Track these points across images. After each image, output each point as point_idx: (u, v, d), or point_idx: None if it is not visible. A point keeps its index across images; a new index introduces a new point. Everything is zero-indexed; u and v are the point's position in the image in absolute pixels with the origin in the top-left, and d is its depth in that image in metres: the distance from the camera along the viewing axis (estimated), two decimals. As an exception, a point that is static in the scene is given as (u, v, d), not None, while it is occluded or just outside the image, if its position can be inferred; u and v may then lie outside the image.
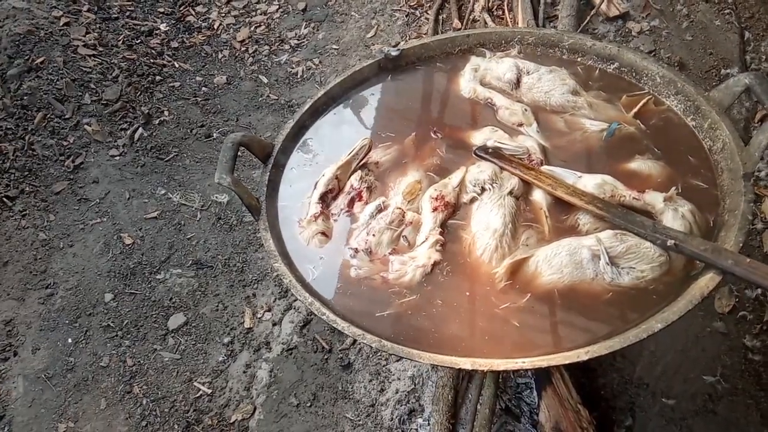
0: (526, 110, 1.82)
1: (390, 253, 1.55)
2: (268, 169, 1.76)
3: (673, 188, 1.48)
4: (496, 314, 1.40)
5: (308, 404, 2.29)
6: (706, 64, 2.91)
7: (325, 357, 2.39)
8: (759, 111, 2.75)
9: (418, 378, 2.21)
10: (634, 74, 1.85)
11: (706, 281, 1.29)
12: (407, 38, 3.64)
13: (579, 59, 1.96)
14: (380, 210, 1.63)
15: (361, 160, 1.75)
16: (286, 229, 1.66)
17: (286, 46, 3.80)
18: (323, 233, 1.62)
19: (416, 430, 2.11)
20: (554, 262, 1.43)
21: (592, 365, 2.16)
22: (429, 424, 2.06)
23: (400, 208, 1.62)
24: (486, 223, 1.55)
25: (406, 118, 1.93)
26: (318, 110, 1.96)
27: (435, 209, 1.60)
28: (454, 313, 1.41)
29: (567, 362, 1.25)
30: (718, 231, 1.43)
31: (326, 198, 1.70)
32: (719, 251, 1.30)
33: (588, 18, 3.16)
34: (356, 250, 1.56)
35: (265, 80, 3.63)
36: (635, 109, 1.77)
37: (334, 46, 3.72)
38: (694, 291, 1.29)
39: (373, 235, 1.57)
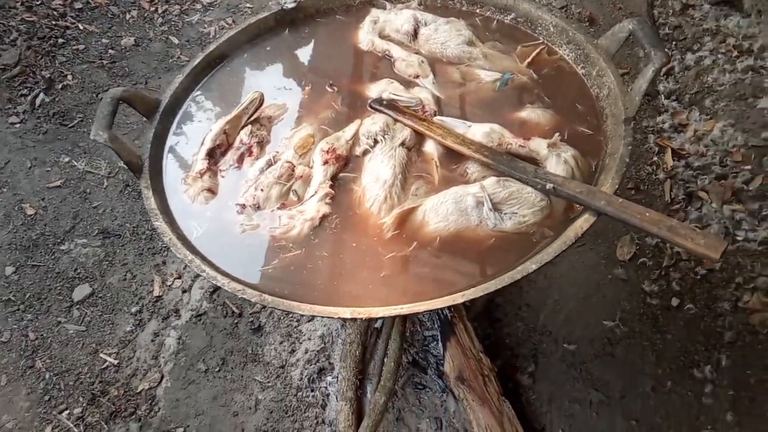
0: (422, 62, 1.80)
1: (279, 208, 1.51)
2: (153, 125, 1.68)
3: (557, 134, 1.50)
4: (382, 264, 1.39)
5: (217, 369, 2.24)
6: (615, 18, 2.95)
7: (235, 321, 2.35)
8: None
9: (328, 337, 2.20)
10: (529, 24, 1.85)
11: (581, 222, 1.31)
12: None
13: (477, 10, 1.95)
14: (270, 164, 1.59)
15: (252, 114, 1.69)
16: (173, 186, 1.59)
17: (198, 6, 3.63)
18: (209, 190, 1.56)
19: (325, 387, 2.11)
20: (440, 211, 1.43)
21: (497, 315, 2.20)
22: (338, 381, 2.06)
23: (289, 162, 1.58)
24: (376, 175, 1.52)
25: (302, 71, 1.87)
26: (211, 64, 1.87)
27: (326, 162, 1.56)
28: (341, 265, 1.39)
29: (443, 305, 1.25)
30: (599, 174, 1.45)
31: (214, 154, 1.63)
32: (593, 193, 1.32)
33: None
34: (243, 206, 1.51)
35: (176, 41, 3.47)
36: (529, 59, 1.77)
37: (248, 5, 3.59)
38: (569, 232, 1.31)
39: (261, 189, 1.52)
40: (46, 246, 2.76)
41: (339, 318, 1.25)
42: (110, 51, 3.44)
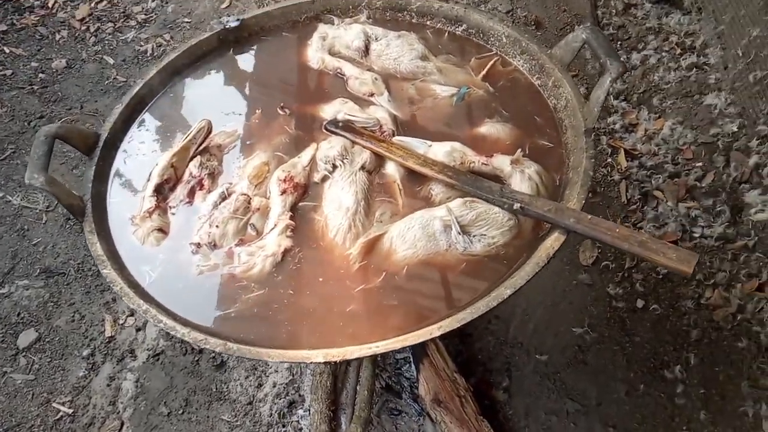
0: (376, 79, 1.74)
1: (237, 245, 1.42)
2: (93, 162, 1.56)
3: (519, 150, 1.46)
4: (352, 298, 1.32)
5: (180, 411, 2.13)
6: (560, 21, 2.97)
7: (196, 359, 2.23)
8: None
9: (296, 368, 2.12)
10: (481, 35, 1.82)
11: (552, 241, 1.28)
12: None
13: (428, 22, 1.90)
14: (224, 198, 1.50)
15: (200, 143, 1.60)
16: (119, 228, 1.48)
17: (133, 22, 3.47)
18: (160, 229, 1.46)
19: (297, 421, 2.02)
20: (408, 237, 1.37)
21: (467, 331, 2.17)
22: (309, 414, 1.98)
23: (245, 194, 1.49)
24: (338, 202, 1.46)
25: (250, 94, 1.79)
26: (152, 91, 1.76)
27: (283, 192, 1.48)
28: (308, 303, 1.32)
29: (420, 341, 1.20)
30: (564, 189, 1.43)
31: (162, 189, 1.53)
32: (562, 210, 1.29)
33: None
34: (198, 245, 1.42)
35: (111, 61, 3.30)
36: (483, 72, 1.74)
37: (186, 20, 3.45)
38: (541, 253, 1.27)
39: (217, 226, 1.43)
40: (-16, 290, 2.58)
41: (311, 363, 1.18)
42: (40, 75, 3.25)
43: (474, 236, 1.37)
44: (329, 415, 1.95)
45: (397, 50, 1.77)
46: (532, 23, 2.90)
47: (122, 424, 2.17)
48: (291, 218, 1.45)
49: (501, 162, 1.48)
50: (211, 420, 2.10)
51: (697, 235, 2.31)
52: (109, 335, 2.38)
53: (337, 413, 1.98)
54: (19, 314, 2.50)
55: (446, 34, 1.87)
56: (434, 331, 1.19)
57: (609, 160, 2.57)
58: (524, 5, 2.99)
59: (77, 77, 3.25)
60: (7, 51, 3.32)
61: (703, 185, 2.42)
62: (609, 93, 1.48)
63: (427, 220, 1.38)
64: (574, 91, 1.56)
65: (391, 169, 1.53)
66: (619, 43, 2.89)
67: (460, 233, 1.36)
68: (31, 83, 3.20)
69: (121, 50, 3.35)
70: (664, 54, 2.81)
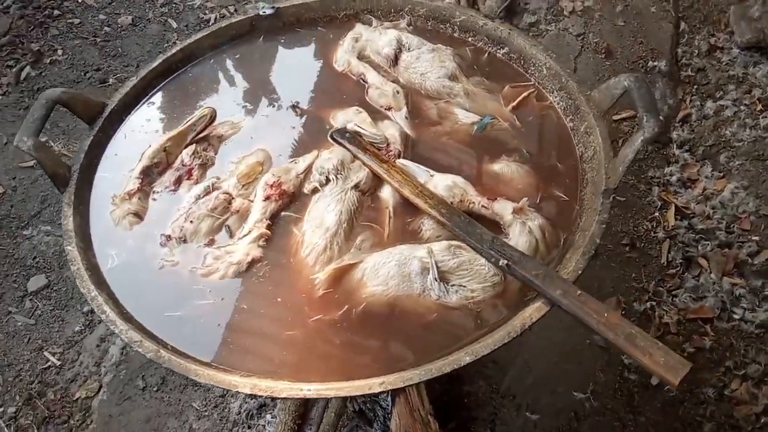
0: (397, 92, 1.62)
1: (206, 244, 1.35)
2: (91, 133, 1.54)
3: (524, 199, 1.31)
4: (305, 326, 1.22)
5: (155, 389, 2.11)
6: (634, 53, 2.73)
7: (182, 339, 2.20)
8: (682, 109, 2.61)
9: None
10: (522, 62, 1.66)
11: (531, 311, 1.14)
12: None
13: (470, 39, 1.76)
14: (208, 192, 1.43)
15: (200, 132, 1.54)
16: (101, 206, 1.44)
17: (203, -11, 3.48)
18: (136, 214, 1.41)
19: (263, 426, 1.96)
20: (381, 272, 1.26)
21: (458, 372, 2.02)
22: (276, 422, 1.91)
23: (227, 193, 1.42)
24: (320, 220, 1.36)
25: (268, 87, 1.71)
26: (171, 68, 1.72)
27: (267, 198, 1.40)
28: (258, 323, 1.24)
29: (358, 393, 1.09)
30: (566, 251, 1.27)
31: (151, 172, 1.48)
32: (551, 278, 1.14)
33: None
34: (168, 237, 1.36)
35: (174, 25, 3.32)
36: (514, 102, 1.59)
37: (254, -5, 3.43)
38: (516, 321, 1.13)
39: (191, 221, 1.37)
40: (10, 228, 2.65)
41: (238, 391, 1.09)
42: (106, 28, 3.30)
43: (452, 285, 1.24)
44: (293, 428, 1.89)
45: (426, 65, 1.64)
46: (603, 52, 2.67)
47: (100, 387, 2.18)
48: (268, 227, 1.36)
49: (503, 208, 1.33)
50: (182, 404, 2.07)
51: (737, 316, 2.07)
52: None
53: (302, 427, 1.91)
54: (34, 258, 2.56)
55: (486, 54, 1.72)
56: (374, 386, 1.08)
57: (656, 214, 2.34)
58: (598, 31, 2.76)
59: (139, 36, 3.29)
60: (79, 0, 3.39)
61: (755, 263, 2.16)
62: (667, 131, 1.30)
63: (406, 258, 1.26)
64: (604, 142, 1.39)
65: (387, 194, 1.42)
66: (695, 87, 2.62)
67: (437, 279, 1.23)
68: (95, 35, 3.26)
69: (186, 15, 3.36)
70: (742, 108, 2.53)
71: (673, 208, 2.35)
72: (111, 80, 3.09)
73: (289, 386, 1.09)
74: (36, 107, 1.42)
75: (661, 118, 1.29)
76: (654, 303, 2.14)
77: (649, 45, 2.73)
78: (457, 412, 1.95)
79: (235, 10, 3.34)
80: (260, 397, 2.01)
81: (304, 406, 1.92)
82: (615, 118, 2.58)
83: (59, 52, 3.17)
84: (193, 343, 1.21)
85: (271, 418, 1.96)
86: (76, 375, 2.23)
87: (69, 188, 1.42)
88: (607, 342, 1.07)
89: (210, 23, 3.31)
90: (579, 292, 1.11)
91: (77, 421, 2.11)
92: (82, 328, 2.36)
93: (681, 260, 2.22)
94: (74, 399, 2.17)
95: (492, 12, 2.80)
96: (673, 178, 2.43)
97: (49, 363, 2.28)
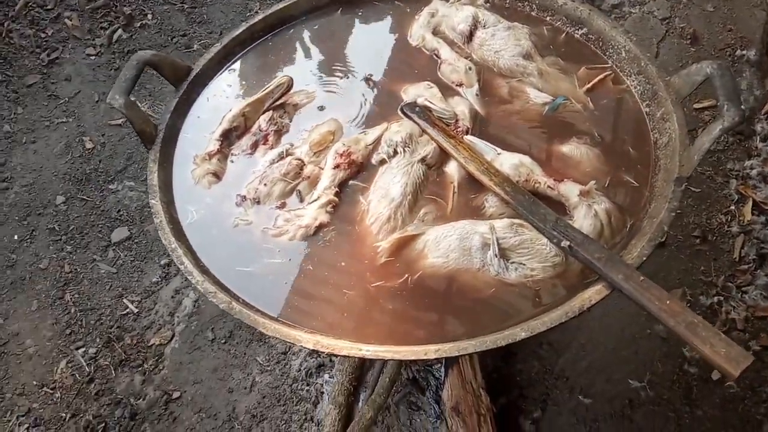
0: (470, 69, 1.63)
1: (278, 207, 1.42)
2: (177, 95, 1.63)
3: (592, 182, 1.31)
4: (367, 292, 1.28)
5: (223, 341, 2.24)
6: (722, 40, 2.59)
7: (249, 296, 2.32)
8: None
9: (333, 333, 2.13)
10: (600, 44, 1.63)
11: (592, 293, 1.14)
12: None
13: (548, 18, 1.74)
14: (282, 157, 1.50)
15: (277, 99, 1.60)
16: (182, 164, 1.54)
17: (287, -40, 3.54)
18: (215, 174, 1.50)
19: (321, 385, 2.05)
20: (442, 245, 1.29)
21: (512, 349, 2.05)
22: (333, 382, 2.00)
23: (299, 159, 1.48)
24: (385, 190, 1.40)
25: (343, 58, 1.75)
26: (253, 36, 1.79)
27: (337, 166, 1.45)
28: (322, 284, 1.29)
29: (413, 358, 1.13)
30: (631, 238, 1.26)
31: (230, 136, 1.56)
32: (613, 262, 1.14)
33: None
34: (243, 198, 1.44)
35: (257, -6, 3.42)
36: (589, 84, 1.57)
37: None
38: (575, 302, 1.14)
39: (265, 184, 1.44)
40: (97, 182, 2.84)
41: (302, 346, 1.16)
42: (193, -5, 3.44)
43: (512, 262, 1.26)
44: (349, 389, 1.96)
45: (501, 42, 1.64)
46: (689, 37, 2.55)
47: (173, 335, 2.33)
48: (336, 194, 1.42)
49: (569, 190, 1.33)
50: (246, 357, 2.19)
51: (810, 318, 1.99)
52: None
53: (358, 389, 1.99)
54: (119, 211, 2.74)
55: (564, 34, 1.70)
56: (430, 352, 1.12)
57: (732, 208, 2.25)
58: (685, 15, 2.64)
59: (224, 3, 3.40)
60: (170, -34, 3.54)
61: (835, 265, 2.06)
62: (751, 123, 1.26)
63: (467, 233, 1.29)
64: (681, 129, 1.36)
65: (452, 169, 1.44)
66: (787, 78, 2.49)
67: (497, 256, 1.25)
68: (182, 1, 3.40)
69: (269, -14, 3.44)
70: (836, 102, 2.38)
71: (750, 202, 2.25)
72: (195, 46, 3.23)
73: (349, 345, 1.15)
74: (128, 67, 1.51)
75: (743, 108, 1.25)
76: (721, 298, 2.08)
77: (738, 32, 2.59)
78: (508, 389, 1.98)
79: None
80: (321, 356, 2.10)
81: (360, 369, 1.99)
82: (696, 106, 2.48)
83: (149, 16, 3.33)
84: (261, 298, 1.29)
85: (329, 378, 2.05)
86: (152, 323, 2.39)
87: (155, 146, 1.52)
88: (668, 329, 1.06)
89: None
90: (642, 277, 1.11)
91: (150, 365, 2.28)
92: (159, 279, 2.52)
93: (754, 256, 2.14)
94: (149, 345, 2.34)
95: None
96: (753, 172, 2.32)
97: (127, 310, 2.45)
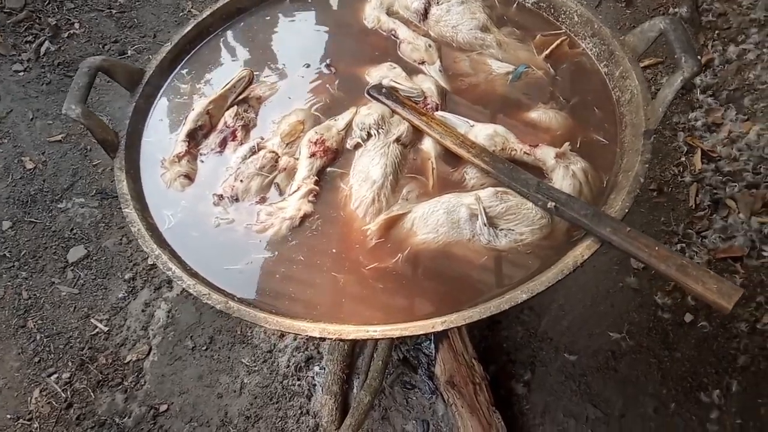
0: (430, 46, 1.64)
1: (258, 202, 1.40)
2: (134, 99, 1.57)
3: (566, 144, 1.34)
4: (362, 275, 1.28)
5: (204, 348, 2.19)
6: (655, 1, 2.70)
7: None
8: (704, 55, 2.59)
9: (317, 325, 2.12)
10: (552, 11, 1.67)
11: (582, 249, 1.18)
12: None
13: (497, -11, 1.77)
14: (254, 152, 1.47)
15: (239, 93, 1.57)
16: (149, 169, 1.49)
17: (214, -44, 3.45)
18: (186, 176, 1.46)
19: (312, 377, 2.04)
20: (430, 221, 1.30)
21: (496, 318, 2.09)
22: (324, 372, 1.99)
23: (273, 152, 1.46)
24: (366, 173, 1.40)
25: (300, 48, 1.73)
26: (202, 33, 1.74)
27: (312, 155, 1.44)
28: (316, 273, 1.29)
29: (421, 333, 1.14)
30: (609, 193, 1.30)
31: (196, 135, 1.52)
32: (599, 217, 1.18)
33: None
34: (220, 197, 1.41)
35: (189, -7, 3.32)
36: (547, 51, 1.60)
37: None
38: (568, 260, 1.17)
39: (241, 180, 1.41)
40: (44, 203, 2.71)
41: (307, 336, 1.15)
42: (120, 0, 3.30)
43: (501, 230, 1.28)
44: (342, 377, 1.96)
45: (457, 17, 1.65)
46: (623, 0, 2.65)
47: (150, 349, 2.26)
48: (316, 183, 1.40)
49: (545, 153, 1.37)
50: (231, 361, 2.15)
51: (766, 254, 2.11)
52: (152, 263, 2.46)
53: (350, 377, 1.99)
54: (72, 230, 2.62)
55: (515, 4, 1.73)
56: (437, 325, 1.13)
57: (683, 159, 2.36)
58: (618, -23, 2.74)
59: (154, 6, 3.28)
60: (92, -28, 3.39)
61: (784, 201, 2.19)
62: (680, 92, 1.33)
63: (454, 206, 1.30)
64: (641, 85, 1.41)
65: (428, 146, 1.45)
66: (716, 32, 2.61)
67: (486, 225, 1.27)
68: (110, 7, 3.27)
69: (200, -18, 3.35)
70: (765, 51, 2.51)
71: (699, 152, 2.37)
72: (130, 51, 3.11)
73: (356, 329, 1.15)
74: (80, 75, 1.45)
75: (699, 58, 1.31)
76: (684, 245, 2.19)
77: (669, -10, 2.71)
78: (497, 356, 2.02)
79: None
80: (308, 348, 2.08)
81: (351, 356, 1.99)
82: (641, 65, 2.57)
83: (76, 25, 3.18)
84: (255, 294, 1.27)
85: (319, 369, 2.04)
86: (125, 339, 2.31)
87: (119, 153, 1.46)
88: (660, 273, 1.11)
89: (224, -11, 3.30)
90: (628, 228, 1.15)
91: (131, 382, 2.20)
92: (125, 294, 2.44)
93: (709, 202, 2.25)
94: (125, 362, 2.26)
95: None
96: (698, 123, 2.44)
97: (97, 329, 2.36)
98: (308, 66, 1.67)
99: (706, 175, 2.30)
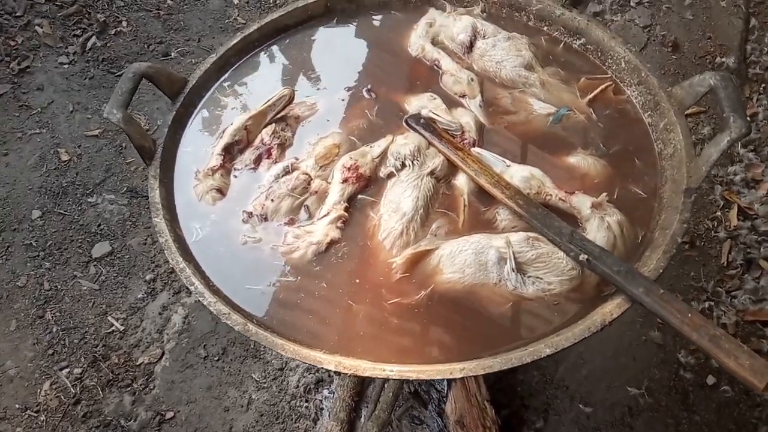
0: (472, 80, 1.62)
1: (286, 223, 1.39)
2: (174, 108, 1.58)
3: (604, 194, 1.31)
4: (383, 309, 1.26)
5: (216, 358, 2.18)
6: (702, 48, 2.66)
7: (241, 311, 2.27)
8: (748, 108, 2.54)
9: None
10: (599, 54, 1.65)
11: (612, 307, 1.15)
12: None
13: (545, 28, 1.75)
14: (287, 172, 1.47)
15: (279, 111, 1.57)
16: (183, 179, 1.49)
17: (262, -31, 3.50)
18: (219, 190, 1.46)
19: (320, 401, 2.02)
20: (458, 260, 1.28)
21: (512, 359, 2.04)
22: (333, 398, 1.97)
23: (306, 174, 1.45)
24: (396, 204, 1.38)
25: (342, 70, 1.73)
26: (248, 47, 1.75)
27: (345, 180, 1.43)
28: (337, 301, 1.27)
29: (438, 377, 1.12)
30: (644, 250, 1.27)
31: (232, 150, 1.52)
32: (633, 275, 1.15)
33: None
34: (250, 215, 1.40)
35: (236, 1, 3.36)
36: (591, 95, 1.58)
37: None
38: (596, 317, 1.14)
39: (272, 200, 1.41)
40: (75, 195, 2.75)
41: (323, 368, 1.13)
42: (168, 1, 3.36)
43: (529, 277, 1.26)
44: (351, 404, 1.94)
45: (503, 53, 1.64)
46: (669, 45, 2.62)
47: (162, 353, 2.27)
48: (346, 209, 1.39)
49: (581, 202, 1.34)
50: (242, 375, 2.14)
51: (798, 321, 2.05)
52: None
53: (359, 404, 1.96)
54: (99, 225, 2.65)
55: (561, 44, 1.71)
56: (455, 372, 1.10)
57: (718, 213, 2.31)
58: (665, 23, 2.70)
59: (201, 11, 3.33)
60: (144, -28, 3.46)
61: (820, 267, 2.12)
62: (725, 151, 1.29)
63: (483, 248, 1.28)
64: (686, 140, 1.38)
65: (461, 182, 1.43)
66: (762, 85, 2.56)
67: (514, 270, 1.25)
68: (158, 8, 3.32)
69: (247, -8, 3.39)
70: (815, 109, 2.47)
71: (735, 208, 2.31)
72: (173, 53, 3.15)
73: (372, 366, 1.13)
74: (124, 80, 1.46)
75: (748, 119, 1.27)
76: (712, 303, 2.13)
77: (717, 40, 2.66)
78: (510, 400, 1.98)
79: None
80: (319, 371, 2.06)
81: (361, 384, 1.97)
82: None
83: (124, 23, 3.24)
84: (274, 318, 1.25)
85: (328, 393, 2.02)
86: (139, 341, 2.32)
87: (155, 161, 1.47)
88: (691, 342, 1.07)
89: (271, 1, 3.34)
90: (662, 291, 1.12)
91: (140, 385, 2.20)
92: (144, 295, 2.45)
93: (741, 261, 2.19)
94: (137, 364, 2.26)
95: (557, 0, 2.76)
96: (737, 178, 2.38)
97: (112, 328, 2.37)
98: (349, 89, 1.66)
99: (741, 232, 2.24)
